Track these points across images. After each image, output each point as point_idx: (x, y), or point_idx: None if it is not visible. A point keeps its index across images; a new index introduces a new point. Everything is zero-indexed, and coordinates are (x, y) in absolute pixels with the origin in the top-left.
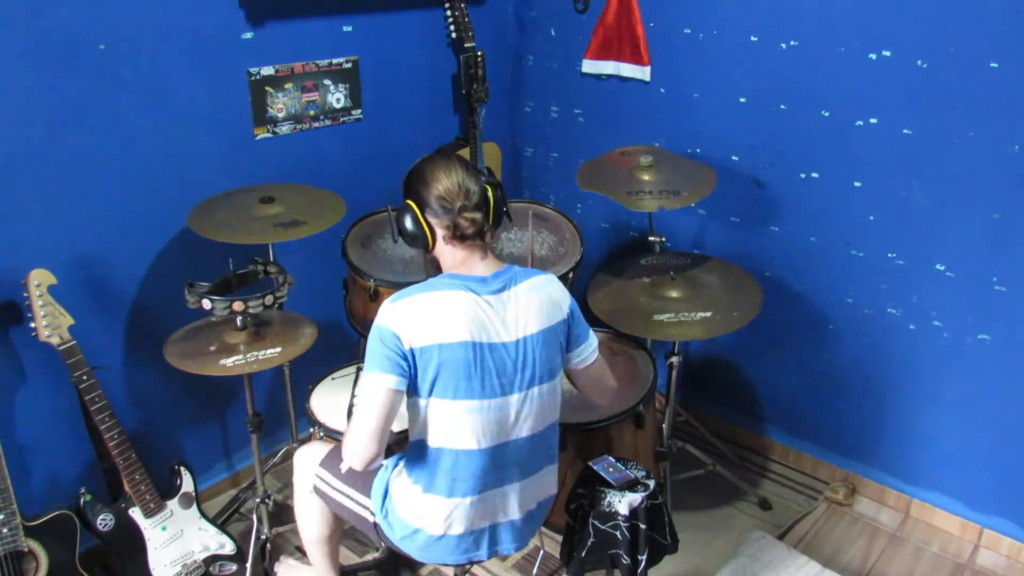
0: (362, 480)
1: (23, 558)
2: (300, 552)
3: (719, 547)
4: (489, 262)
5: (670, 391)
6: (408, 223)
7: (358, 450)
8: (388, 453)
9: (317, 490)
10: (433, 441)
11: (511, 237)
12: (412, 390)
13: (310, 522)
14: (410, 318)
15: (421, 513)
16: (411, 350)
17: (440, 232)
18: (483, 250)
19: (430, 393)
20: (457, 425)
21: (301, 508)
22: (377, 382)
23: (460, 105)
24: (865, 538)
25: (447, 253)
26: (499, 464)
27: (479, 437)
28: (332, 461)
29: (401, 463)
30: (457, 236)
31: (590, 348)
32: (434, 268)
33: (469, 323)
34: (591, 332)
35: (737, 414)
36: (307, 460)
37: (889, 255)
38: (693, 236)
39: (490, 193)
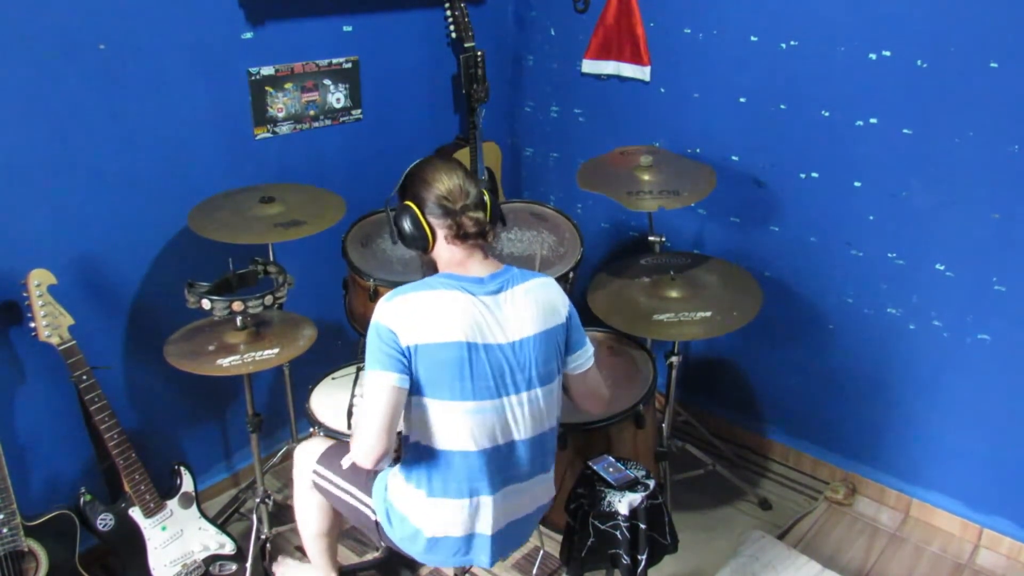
0: (363, 478)
1: (23, 558)
2: (300, 552)
3: (719, 547)
4: (488, 263)
5: (670, 391)
6: (408, 224)
7: (367, 448)
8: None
9: (317, 486)
10: (429, 442)
11: (511, 237)
12: (410, 388)
13: (309, 517)
14: (406, 316)
15: (420, 515)
16: (407, 348)
17: (442, 232)
18: (483, 251)
19: (424, 393)
20: (453, 426)
21: (300, 503)
22: (379, 380)
23: (460, 105)
24: (865, 538)
25: (446, 253)
26: (497, 467)
27: (476, 439)
28: (331, 458)
29: (399, 464)
30: (460, 235)
31: (586, 355)
32: (431, 269)
33: (464, 323)
34: (588, 340)
35: (737, 414)
36: (306, 456)
37: (889, 255)
38: (693, 236)
39: (486, 196)
